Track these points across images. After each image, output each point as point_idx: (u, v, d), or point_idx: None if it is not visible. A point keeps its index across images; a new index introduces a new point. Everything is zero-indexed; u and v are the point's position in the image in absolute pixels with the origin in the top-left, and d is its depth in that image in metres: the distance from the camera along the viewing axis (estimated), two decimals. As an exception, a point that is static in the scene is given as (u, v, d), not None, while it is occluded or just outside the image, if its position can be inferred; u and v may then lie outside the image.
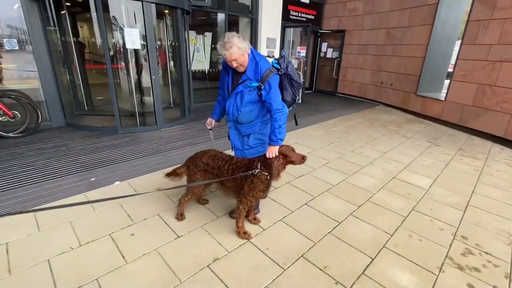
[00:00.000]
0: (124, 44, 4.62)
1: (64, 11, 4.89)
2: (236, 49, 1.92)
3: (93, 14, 5.46)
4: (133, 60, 5.69)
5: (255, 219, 2.45)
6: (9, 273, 1.81)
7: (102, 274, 1.83)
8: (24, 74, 4.49)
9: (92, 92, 5.92)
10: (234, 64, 2.01)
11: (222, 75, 2.30)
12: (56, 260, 1.93)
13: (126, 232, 2.24)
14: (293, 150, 2.12)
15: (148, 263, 1.94)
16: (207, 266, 1.94)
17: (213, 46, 6.85)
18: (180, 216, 2.42)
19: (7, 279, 1.76)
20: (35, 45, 4.30)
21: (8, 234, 2.15)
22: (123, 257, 1.98)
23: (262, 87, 2.03)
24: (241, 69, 2.07)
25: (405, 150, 4.50)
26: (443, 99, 6.17)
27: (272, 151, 2.05)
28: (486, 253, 2.24)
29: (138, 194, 1.90)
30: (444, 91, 6.46)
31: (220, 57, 7.40)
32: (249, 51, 2.04)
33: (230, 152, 2.43)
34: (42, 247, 2.04)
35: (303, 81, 7.82)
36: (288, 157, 2.08)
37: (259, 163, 2.06)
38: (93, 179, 3.05)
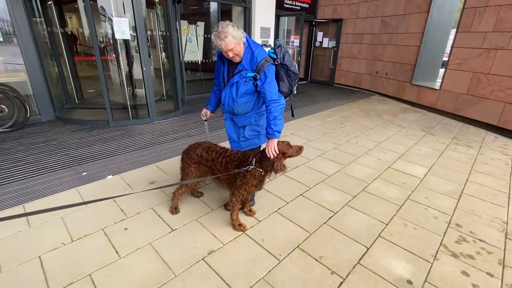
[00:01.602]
0: (113, 34, 4.48)
1: (50, 1, 4.72)
2: (232, 39, 1.84)
3: (80, 4, 5.28)
4: (124, 51, 5.55)
5: (250, 210, 2.43)
6: (0, 270, 1.77)
7: (95, 270, 1.80)
8: (10, 66, 4.35)
9: (82, 85, 5.78)
10: (230, 55, 1.92)
11: (217, 65, 2.23)
12: (47, 256, 1.89)
13: (119, 227, 2.21)
14: (289, 145, 2.04)
15: (142, 258, 1.91)
16: (202, 259, 1.92)
17: (206, 36, 6.70)
18: (174, 210, 2.39)
19: (-3, 277, 1.72)
20: (21, 37, 4.15)
21: (-2, 231, 2.10)
22: (117, 252, 1.95)
23: (258, 77, 1.96)
24: (237, 59, 1.99)
25: (400, 140, 4.50)
26: (438, 88, 6.16)
27: (271, 146, 1.94)
28: (480, 240, 2.26)
29: (134, 192, 1.86)
30: (439, 80, 6.45)
31: (215, 48, 7.26)
32: (245, 40, 1.96)
33: (226, 144, 2.39)
34: (33, 243, 2.00)
35: (298, 72, 7.73)
36: (286, 154, 2.01)
37: (254, 159, 2.00)
38: (84, 173, 2.99)
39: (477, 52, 5.27)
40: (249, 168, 1.98)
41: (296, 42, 7.73)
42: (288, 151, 2.01)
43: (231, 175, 2.10)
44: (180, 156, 2.37)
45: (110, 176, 2.96)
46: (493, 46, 5.00)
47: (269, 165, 1.95)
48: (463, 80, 5.59)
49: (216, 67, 2.24)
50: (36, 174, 2.95)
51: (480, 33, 5.19)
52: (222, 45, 1.86)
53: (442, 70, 6.51)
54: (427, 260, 2.01)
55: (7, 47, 4.26)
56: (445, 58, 6.43)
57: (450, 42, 6.15)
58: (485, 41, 5.13)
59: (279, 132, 1.98)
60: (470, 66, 5.44)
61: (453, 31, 5.93)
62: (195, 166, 2.21)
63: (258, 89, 2.01)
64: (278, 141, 1.99)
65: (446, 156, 3.91)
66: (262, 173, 2.02)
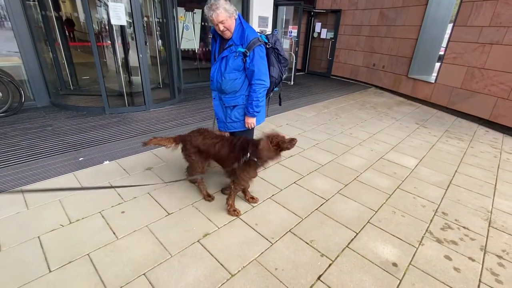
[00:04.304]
0: (109, 20, 4.42)
1: (43, -17, 4.61)
2: (223, 11, 1.94)
3: (75, -13, 5.17)
4: (120, 38, 5.48)
5: (252, 198, 2.47)
6: (0, 249, 1.82)
7: (94, 250, 1.86)
8: (3, 51, 4.29)
9: (77, 71, 5.71)
10: (221, 27, 2.00)
11: (211, 45, 2.31)
12: (46, 236, 1.94)
13: (116, 210, 2.26)
14: (269, 138, 1.96)
15: (139, 239, 1.97)
16: (198, 241, 1.99)
17: (203, 24, 6.63)
18: (208, 198, 2.44)
19: (-3, 255, 1.78)
20: (14, 21, 4.07)
21: (-4, 212, 2.14)
22: (114, 233, 2.01)
23: (248, 54, 2.04)
24: (228, 34, 2.07)
25: (394, 132, 4.58)
26: (433, 82, 6.22)
27: (251, 122, 2.22)
28: (464, 227, 2.36)
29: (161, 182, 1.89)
30: (435, 74, 6.51)
31: (210, 36, 7.18)
32: (236, 17, 2.05)
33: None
34: (32, 224, 2.05)
35: (294, 62, 7.72)
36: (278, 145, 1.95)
37: (250, 149, 2.02)
38: (81, 158, 3.02)
39: (473, 46, 5.32)
40: (247, 158, 2.01)
41: (294, 32, 7.68)
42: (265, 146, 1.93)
43: (229, 160, 2.12)
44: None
45: (107, 162, 2.99)
46: (489, 40, 5.05)
47: (258, 153, 1.94)
48: (457, 74, 5.65)
49: (211, 48, 2.33)
50: (32, 158, 2.96)
51: (477, 27, 5.22)
52: (213, 16, 1.94)
53: (438, 64, 6.56)
54: (412, 245, 2.11)
55: (0, 32, 4.18)
56: (441, 52, 6.48)
57: (447, 36, 6.19)
58: (481, 35, 5.17)
59: (258, 113, 2.22)
60: (465, 60, 5.49)
61: (450, 25, 5.95)
62: (196, 151, 2.24)
63: (247, 66, 2.08)
64: (274, 134, 1.98)
65: (437, 148, 4.01)
66: (258, 163, 2.05)
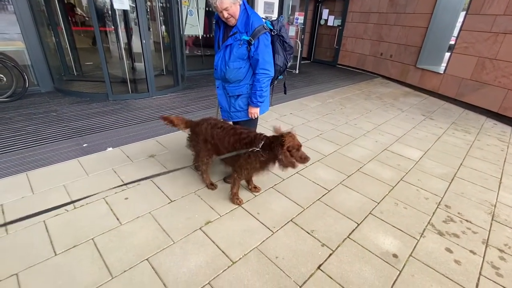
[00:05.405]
0: (112, 4, 4.33)
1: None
2: None
3: (77, -31, 5.05)
4: (123, 23, 5.39)
5: (255, 187, 2.47)
6: (6, 232, 1.86)
7: (98, 234, 1.89)
8: (6, 35, 4.25)
9: (80, 57, 5.67)
10: (225, 15, 1.95)
11: (215, 32, 2.25)
12: (51, 221, 1.98)
13: (120, 196, 2.28)
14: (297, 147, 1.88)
15: (142, 225, 2.00)
16: (200, 228, 2.01)
17: (207, 9, 6.49)
18: (211, 186, 2.45)
19: (4, 238, 1.82)
20: (16, 4, 4.02)
21: (2, 196, 2.18)
22: (118, 219, 2.04)
23: (252, 42, 1.99)
24: (232, 21, 2.01)
25: (399, 123, 4.51)
26: (442, 72, 6.07)
27: (254, 112, 2.22)
28: (466, 221, 2.35)
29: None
30: (444, 64, 6.34)
31: (214, 22, 7.04)
32: (241, 3, 1.99)
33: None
34: (37, 209, 2.05)
35: (300, 50, 7.57)
36: (290, 150, 1.87)
37: (262, 143, 1.93)
38: (85, 144, 3.03)
39: (485, 36, 5.14)
40: (254, 149, 1.93)
41: (301, 19, 7.49)
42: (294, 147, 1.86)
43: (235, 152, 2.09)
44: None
45: (110, 148, 3.00)
46: (502, 30, 4.87)
47: (277, 154, 1.86)
48: (468, 64, 5.49)
49: (214, 33, 2.28)
50: (37, 144, 2.99)
51: (490, 15, 5.03)
52: (217, 3, 1.89)
53: (447, 54, 6.38)
54: (413, 237, 2.11)
55: (3, 15, 4.14)
56: (452, 42, 6.28)
57: (458, 25, 5.98)
58: (494, 24, 4.99)
59: (262, 103, 2.20)
60: (476, 50, 5.33)
61: (463, 13, 5.74)
62: (203, 142, 2.22)
63: (251, 55, 2.03)
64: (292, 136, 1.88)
65: (443, 141, 3.95)
66: (264, 159, 1.97)
